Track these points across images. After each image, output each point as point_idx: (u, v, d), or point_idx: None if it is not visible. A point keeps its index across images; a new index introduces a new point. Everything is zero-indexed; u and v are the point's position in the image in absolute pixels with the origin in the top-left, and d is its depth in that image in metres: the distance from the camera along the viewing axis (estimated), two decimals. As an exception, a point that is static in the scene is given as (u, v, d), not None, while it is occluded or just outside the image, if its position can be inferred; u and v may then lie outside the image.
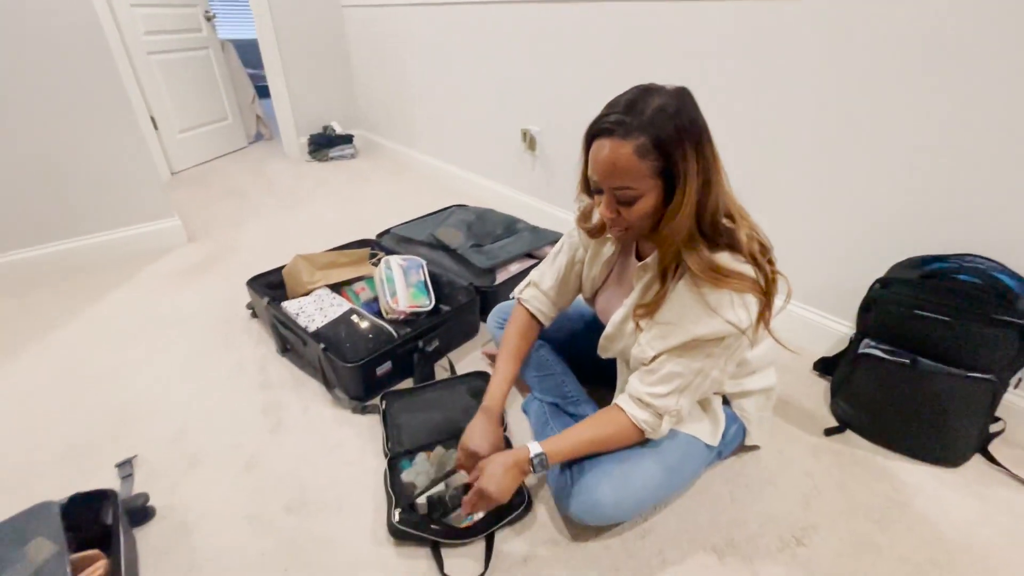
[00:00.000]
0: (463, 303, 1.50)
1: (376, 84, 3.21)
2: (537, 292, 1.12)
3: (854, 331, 1.22)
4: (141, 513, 1.01)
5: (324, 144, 3.34)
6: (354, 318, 1.42)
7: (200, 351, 1.52)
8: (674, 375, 0.84)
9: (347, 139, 3.39)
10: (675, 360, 0.84)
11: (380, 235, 1.91)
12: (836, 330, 1.38)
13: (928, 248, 1.15)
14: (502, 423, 1.01)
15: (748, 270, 0.77)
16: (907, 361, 1.05)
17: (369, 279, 1.66)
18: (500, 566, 0.93)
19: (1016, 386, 1.06)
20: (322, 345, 1.28)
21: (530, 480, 1.07)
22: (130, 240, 2.07)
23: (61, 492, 0.93)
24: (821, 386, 1.34)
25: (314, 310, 1.46)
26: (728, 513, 1.02)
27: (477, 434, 0.97)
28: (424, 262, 1.64)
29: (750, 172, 1.42)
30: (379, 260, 1.65)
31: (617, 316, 0.94)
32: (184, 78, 3.05)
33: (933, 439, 1.09)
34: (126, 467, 1.13)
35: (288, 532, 1.00)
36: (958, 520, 0.99)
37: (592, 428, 0.91)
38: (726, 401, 1.03)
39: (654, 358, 0.86)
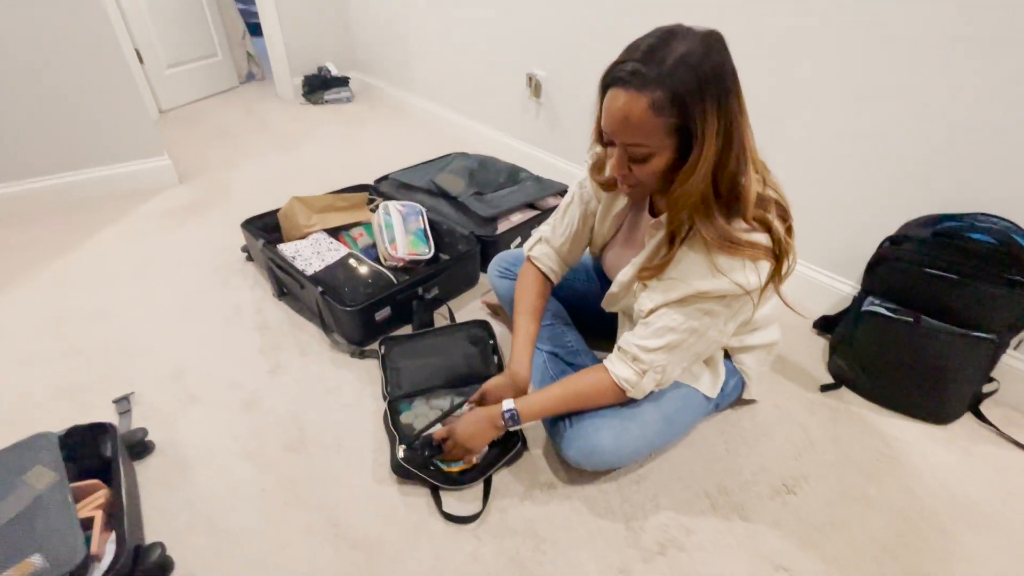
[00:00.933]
0: (463, 252, 1.47)
1: (373, 23, 3.04)
2: (548, 249, 1.07)
3: (858, 290, 1.21)
4: (140, 447, 1.02)
5: (319, 86, 3.19)
6: (352, 262, 1.39)
7: (195, 292, 1.50)
8: (668, 329, 0.81)
9: (343, 81, 3.24)
10: (672, 314, 0.81)
11: (378, 180, 1.85)
12: (839, 289, 1.37)
13: (942, 207, 1.13)
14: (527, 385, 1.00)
15: (763, 239, 0.72)
16: (910, 319, 1.04)
17: (367, 225, 1.62)
18: (498, 507, 0.95)
19: (1016, 347, 1.06)
20: (320, 289, 1.26)
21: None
22: (119, 178, 2.00)
23: (59, 426, 0.93)
24: (820, 344, 1.34)
25: (311, 254, 1.42)
26: (722, 462, 1.04)
27: (503, 386, 0.97)
28: (423, 209, 1.60)
29: (757, 122, 1.37)
30: (377, 206, 1.61)
31: (624, 275, 0.91)
32: (169, 8, 2.87)
33: (928, 397, 1.10)
34: (124, 403, 1.12)
35: (288, 469, 1.01)
36: (945, 474, 1.02)
37: (568, 385, 0.90)
38: (727, 355, 1.02)
39: (652, 311, 0.83)
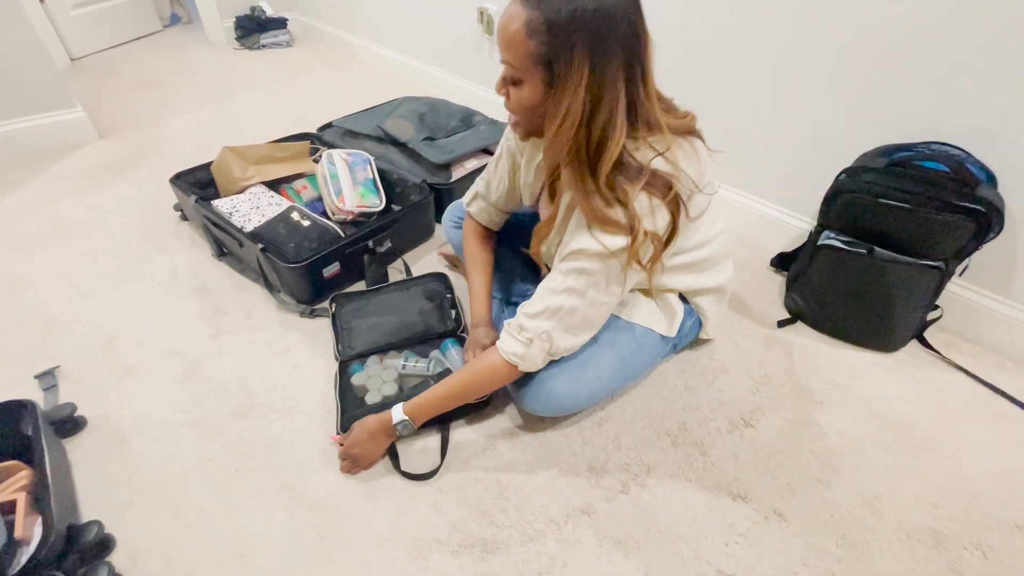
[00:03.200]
0: (416, 202, 1.39)
1: (308, -46, 2.76)
2: (485, 204, 1.06)
3: (814, 225, 1.20)
4: (69, 423, 0.94)
5: (254, 29, 2.92)
6: (295, 216, 1.30)
7: (125, 257, 1.38)
8: (548, 291, 0.79)
9: (280, 23, 2.97)
10: (553, 276, 0.79)
11: (321, 128, 1.72)
12: (795, 226, 1.37)
13: (896, 139, 1.12)
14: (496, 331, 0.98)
15: (619, 215, 0.69)
16: (864, 251, 1.05)
17: (311, 176, 1.51)
18: (458, 457, 0.94)
19: (960, 274, 1.09)
20: (260, 245, 1.17)
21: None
22: (25, 134, 1.79)
23: (-31, 405, 0.84)
24: (777, 281, 1.35)
25: (249, 208, 1.32)
26: (682, 400, 1.05)
27: (482, 335, 0.98)
28: (372, 157, 1.50)
29: (707, 55, 1.31)
30: (320, 156, 1.49)
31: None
32: (69, -63, 2.52)
33: (877, 327, 1.13)
34: (48, 378, 1.03)
35: (235, 435, 0.96)
36: (891, 399, 1.06)
37: (458, 377, 0.88)
38: (683, 298, 1.01)
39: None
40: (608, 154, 0.66)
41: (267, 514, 0.85)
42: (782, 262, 1.36)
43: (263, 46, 2.94)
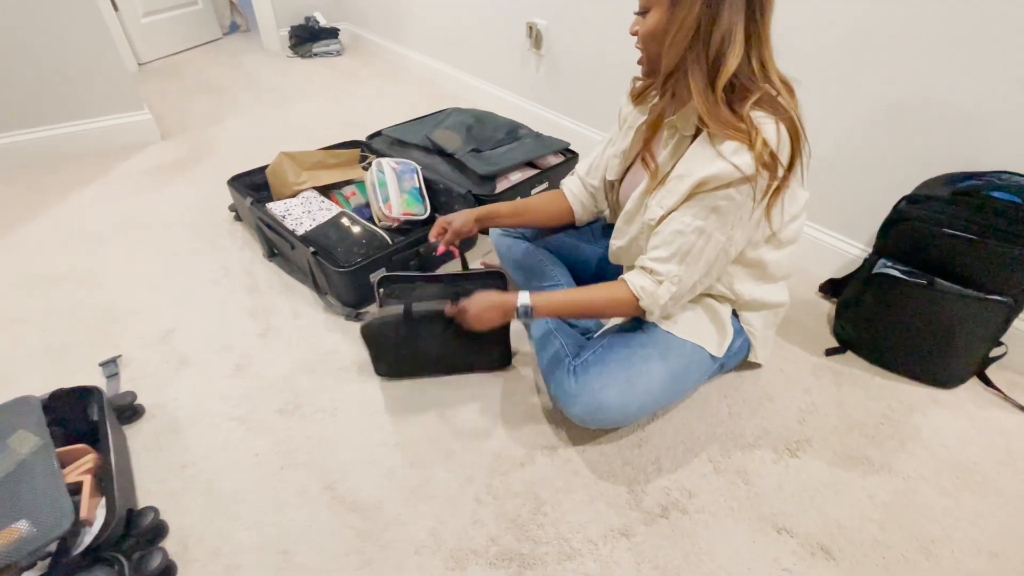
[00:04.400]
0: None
1: (363, -32, 2.86)
2: (574, 178, 1.11)
3: (869, 252, 1.17)
4: (129, 411, 0.99)
5: (307, 38, 3.03)
6: (345, 222, 1.33)
7: (182, 253, 1.45)
8: (676, 233, 0.79)
9: (332, 33, 3.08)
10: (679, 217, 0.79)
11: (371, 137, 1.77)
12: (846, 252, 1.33)
13: (961, 167, 1.08)
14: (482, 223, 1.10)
15: (768, 127, 0.71)
16: (924, 282, 1.01)
17: (360, 183, 1.55)
18: (497, 470, 0.94)
19: (1029, 311, 1.03)
20: (311, 249, 1.21)
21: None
22: (98, 134, 1.91)
23: (43, 390, 0.89)
24: (825, 307, 1.31)
25: (301, 212, 1.36)
26: (725, 425, 1.02)
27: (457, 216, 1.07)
28: (419, 167, 1.53)
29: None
30: (370, 163, 1.53)
31: (638, 190, 0.89)
32: (144, -50, 2.69)
33: (935, 361, 1.08)
34: (111, 366, 1.09)
35: (282, 433, 0.99)
36: (949, 438, 1.01)
37: (586, 291, 0.90)
38: (734, 314, 0.99)
39: (661, 219, 0.82)
40: (726, 68, 0.70)
41: (310, 512, 0.87)
42: (832, 288, 1.32)
43: (315, 54, 3.05)
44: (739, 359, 1.05)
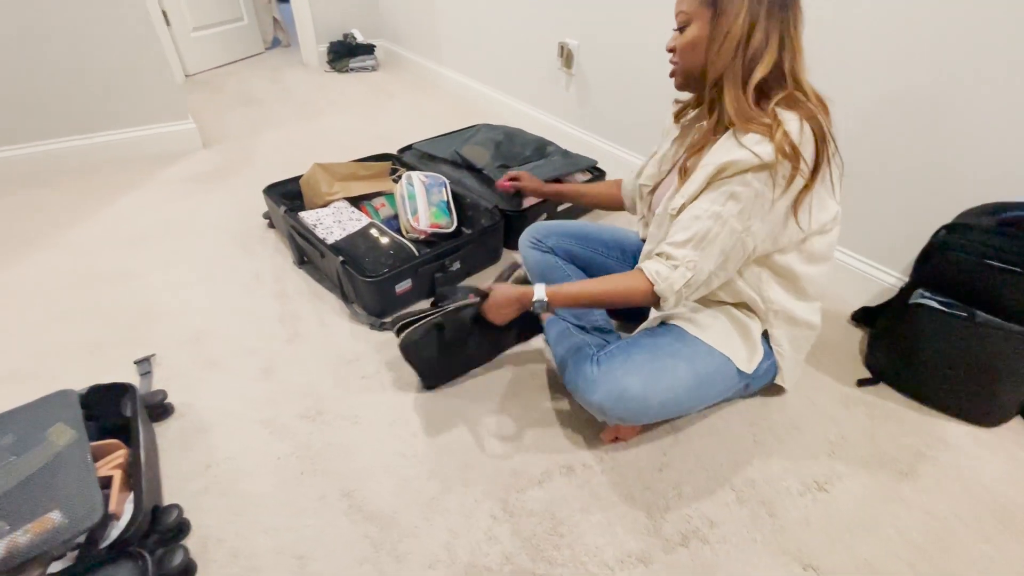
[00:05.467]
0: (487, 226, 1.43)
1: (401, -12, 2.96)
2: (630, 177, 1.14)
3: (905, 281, 1.13)
4: (160, 409, 1.02)
5: (344, 53, 3.14)
6: (373, 232, 1.36)
7: (217, 258, 1.49)
8: (693, 219, 0.80)
9: (368, 49, 3.18)
10: (697, 204, 0.80)
11: (402, 150, 1.81)
12: (881, 279, 1.29)
13: (1005, 195, 1.04)
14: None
15: (791, 122, 0.73)
16: (965, 315, 0.97)
17: (389, 195, 1.58)
18: (514, 486, 0.93)
19: (1078, 349, 0.98)
20: (340, 258, 1.23)
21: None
22: (144, 141, 2.00)
23: (81, 383, 0.93)
24: (857, 336, 1.27)
25: (332, 222, 1.40)
26: (749, 454, 1.00)
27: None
28: (447, 181, 1.55)
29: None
30: (400, 176, 1.57)
31: (668, 192, 0.90)
32: (196, -31, 2.83)
33: (975, 398, 1.03)
34: (145, 364, 1.13)
35: (303, 438, 1.00)
36: (990, 479, 0.96)
37: (601, 280, 0.89)
38: (765, 335, 0.97)
39: (682, 207, 0.82)
40: (760, 68, 0.75)
41: (327, 520, 0.88)
42: (865, 317, 1.28)
43: (351, 69, 3.15)
44: (765, 381, 1.02)
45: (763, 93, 0.77)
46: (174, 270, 1.44)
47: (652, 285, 0.82)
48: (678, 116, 0.97)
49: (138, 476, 0.80)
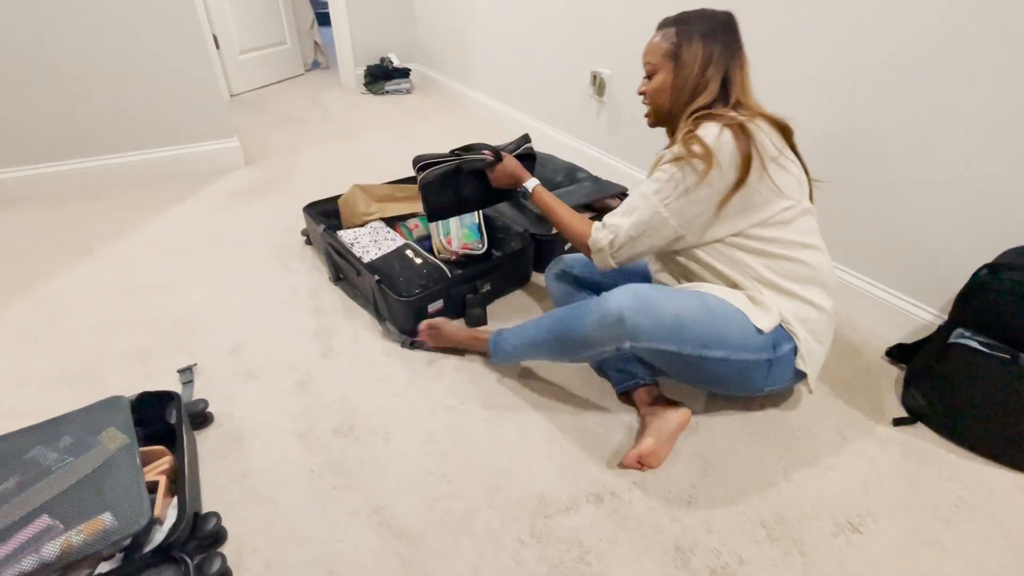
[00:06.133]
0: (517, 249, 1.45)
1: (437, 17, 3.07)
2: None
3: (944, 319, 1.11)
4: (201, 418, 1.06)
5: (381, 76, 3.26)
6: (408, 253, 1.40)
7: (256, 273, 1.55)
8: (631, 196, 0.99)
9: (404, 73, 3.29)
10: (634, 191, 0.99)
11: (436, 173, 1.86)
12: (917, 316, 1.27)
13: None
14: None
15: (710, 128, 0.88)
16: (1007, 356, 0.95)
17: (423, 216, 1.63)
18: (540, 512, 0.93)
19: None
20: (376, 277, 1.27)
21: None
22: (190, 158, 2.10)
23: (127, 390, 0.97)
24: (892, 374, 1.25)
25: (368, 242, 1.44)
26: (780, 490, 0.98)
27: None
28: (480, 204, 1.59)
29: (837, 123, 1.29)
30: (434, 198, 1.61)
31: None
32: (247, -3, 3.00)
33: (1019, 442, 1.00)
34: (187, 373, 1.17)
35: (336, 452, 1.03)
36: (1035, 529, 0.92)
37: (570, 212, 1.11)
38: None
39: None
40: (700, 100, 0.93)
41: (357, 534, 0.89)
42: (900, 354, 1.26)
43: (386, 92, 3.26)
44: (789, 370, 0.97)
45: (704, 117, 0.92)
46: (216, 282, 1.50)
47: (590, 236, 1.02)
48: (655, 124, 1.11)
49: (182, 482, 0.83)
